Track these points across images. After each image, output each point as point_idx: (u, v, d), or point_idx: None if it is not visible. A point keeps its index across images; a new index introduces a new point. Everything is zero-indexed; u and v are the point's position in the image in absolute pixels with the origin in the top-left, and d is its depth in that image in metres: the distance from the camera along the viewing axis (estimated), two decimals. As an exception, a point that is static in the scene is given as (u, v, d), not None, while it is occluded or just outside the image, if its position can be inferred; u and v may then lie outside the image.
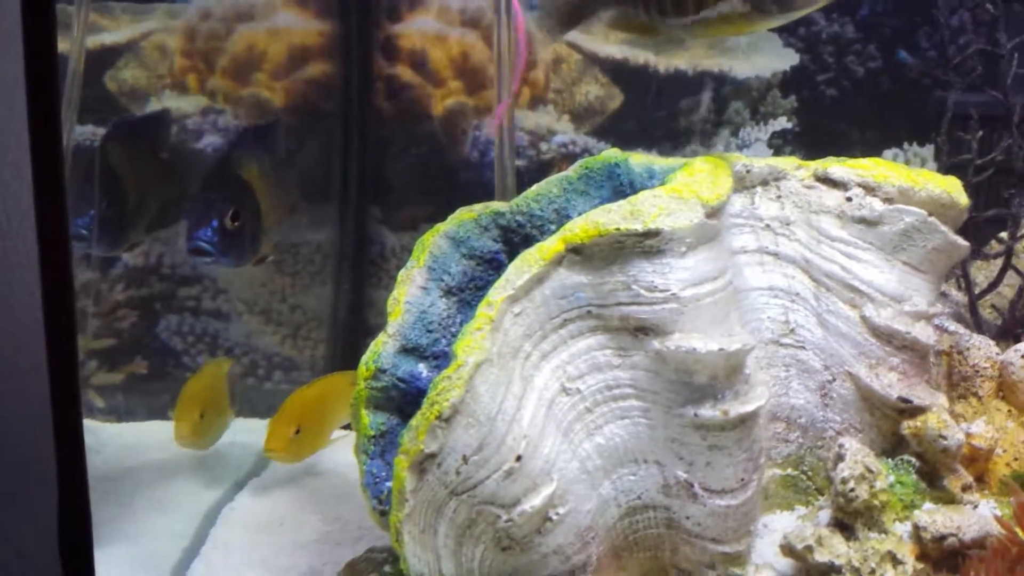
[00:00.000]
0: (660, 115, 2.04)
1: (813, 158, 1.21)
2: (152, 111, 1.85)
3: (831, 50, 2.01)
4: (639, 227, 1.03)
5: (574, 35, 2.05)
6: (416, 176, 1.92)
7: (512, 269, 1.07)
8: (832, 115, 2.02)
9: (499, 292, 1.05)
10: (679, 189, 1.06)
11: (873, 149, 1.96)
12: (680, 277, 1.03)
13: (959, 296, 1.33)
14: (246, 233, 1.45)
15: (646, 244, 1.03)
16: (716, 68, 2.01)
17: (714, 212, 1.06)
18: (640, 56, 2.00)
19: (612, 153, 1.26)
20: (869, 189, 1.14)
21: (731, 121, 2.06)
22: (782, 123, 2.04)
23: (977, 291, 1.31)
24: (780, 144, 2.04)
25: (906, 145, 1.98)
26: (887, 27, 2.00)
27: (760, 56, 2.02)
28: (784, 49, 2.02)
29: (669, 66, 2.02)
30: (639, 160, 1.25)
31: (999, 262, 1.31)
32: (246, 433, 1.82)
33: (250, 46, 1.85)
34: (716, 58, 2.01)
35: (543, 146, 2.00)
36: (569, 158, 2.05)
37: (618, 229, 1.03)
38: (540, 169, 2.01)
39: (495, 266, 1.22)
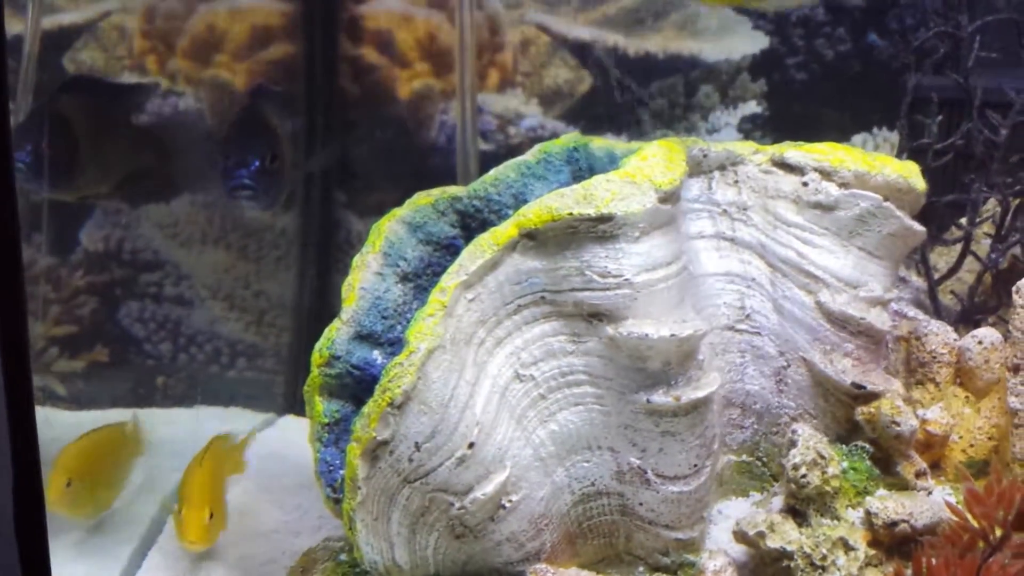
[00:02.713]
0: (629, 99, 2.03)
1: (783, 141, 1.20)
2: (131, 82, 1.83)
3: (801, 33, 1.99)
4: (592, 212, 1.01)
5: (543, 17, 2.03)
6: (382, 160, 1.90)
7: (466, 254, 1.05)
8: (802, 99, 2.01)
9: (452, 278, 1.04)
10: (632, 173, 1.05)
11: (843, 133, 1.96)
12: (633, 262, 1.02)
13: (919, 282, 1.33)
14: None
15: (599, 229, 1.02)
16: (686, 51, 2.00)
17: (668, 196, 1.05)
18: (609, 39, 1.98)
19: (571, 137, 1.24)
20: (825, 174, 1.13)
21: (701, 105, 2.04)
22: (752, 107, 2.03)
23: (937, 276, 1.31)
24: (750, 128, 2.03)
25: (875, 129, 1.97)
26: (857, 9, 1.99)
27: (730, 39, 2.01)
28: (753, 32, 2.00)
29: (639, 49, 2.00)
30: (600, 144, 1.24)
31: (960, 247, 1.31)
32: (208, 421, 1.80)
33: (211, 26, 1.81)
34: (685, 41, 2.00)
35: (511, 130, 1.98)
36: (537, 141, 2.03)
37: (571, 214, 1.02)
38: (508, 153, 1.98)
39: (452, 252, 1.20)
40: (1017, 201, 1.29)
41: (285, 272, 1.87)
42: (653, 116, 2.03)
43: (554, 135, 2.04)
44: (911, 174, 1.14)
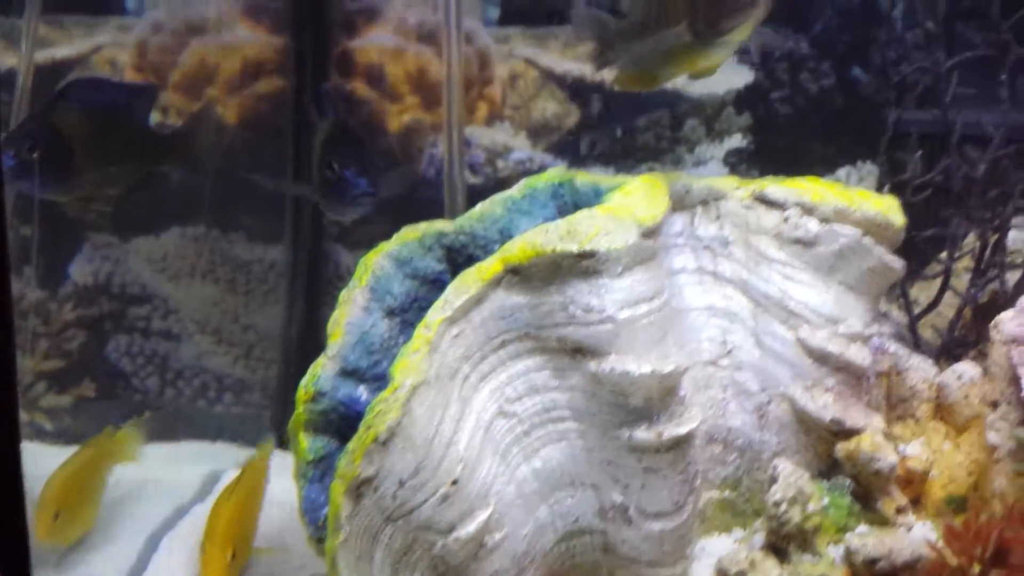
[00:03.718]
0: (617, 132, 2.05)
1: (768, 174, 1.22)
2: (135, 83, 1.82)
3: (785, 67, 2.02)
4: (575, 248, 1.02)
5: (531, 51, 2.06)
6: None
7: (451, 290, 1.06)
8: (787, 132, 2.04)
9: (437, 313, 1.05)
10: (615, 209, 1.06)
11: (828, 166, 1.98)
12: (616, 298, 1.03)
13: (900, 316, 1.34)
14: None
15: (582, 265, 1.03)
16: (671, 86, 2.02)
17: (650, 232, 1.06)
18: (597, 73, 2.00)
19: (556, 172, 1.26)
20: (806, 209, 1.15)
21: (687, 139, 2.07)
22: (737, 140, 2.06)
23: (918, 311, 1.32)
24: (736, 161, 2.05)
25: (860, 162, 2.00)
26: (841, 44, 2.02)
27: (714, 74, 2.03)
28: (738, 66, 2.03)
29: (625, 83, 2.02)
30: (585, 179, 1.25)
31: (940, 282, 1.32)
32: (192, 457, 1.80)
33: (202, 60, 1.83)
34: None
35: (500, 163, 2.00)
36: (526, 174, 2.05)
37: (555, 250, 1.03)
38: (497, 185, 2.00)
39: (439, 286, 1.21)
40: (996, 236, 1.30)
41: (274, 305, 1.88)
42: (641, 149, 2.05)
43: (542, 168, 2.06)
44: (890, 210, 1.15)
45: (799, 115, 2.03)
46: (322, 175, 1.43)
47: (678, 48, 1.13)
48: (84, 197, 1.58)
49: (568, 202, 1.24)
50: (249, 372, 1.90)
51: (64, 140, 1.40)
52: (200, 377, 1.92)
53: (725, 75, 2.05)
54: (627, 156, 2.04)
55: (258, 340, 1.89)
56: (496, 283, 1.05)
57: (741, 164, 2.04)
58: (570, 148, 2.03)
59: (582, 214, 1.05)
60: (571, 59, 2.02)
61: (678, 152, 2.06)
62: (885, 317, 1.37)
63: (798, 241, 1.15)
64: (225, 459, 1.82)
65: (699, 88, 2.04)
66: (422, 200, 1.94)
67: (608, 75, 2.02)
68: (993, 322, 1.13)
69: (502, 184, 2.08)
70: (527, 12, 2.00)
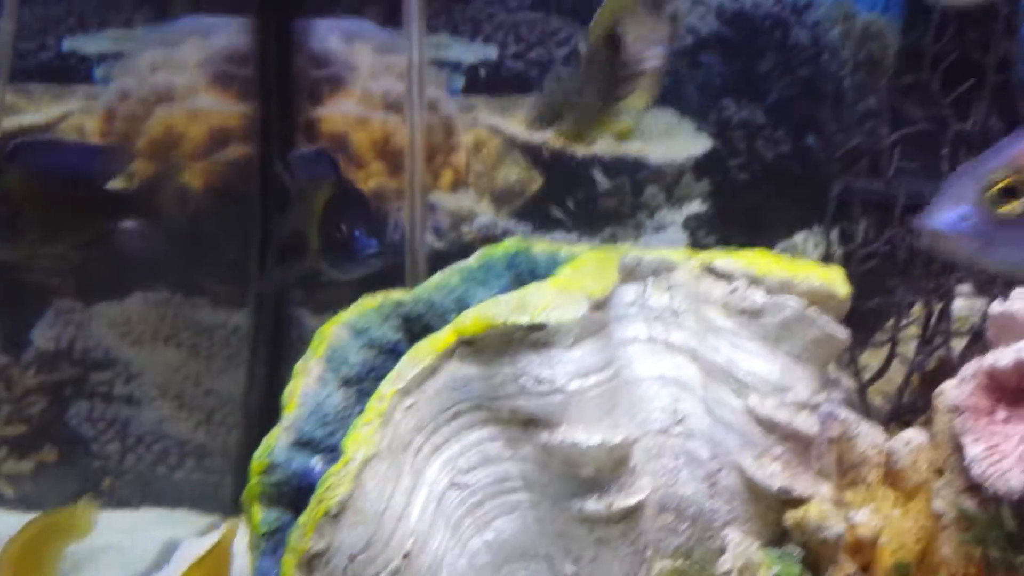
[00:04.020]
0: (580, 198, 2.09)
1: (727, 239, 1.25)
2: (89, 144, 1.83)
3: (741, 135, 2.08)
4: (526, 320, 1.05)
5: (495, 120, 2.11)
6: (338, 257, 1.92)
7: (404, 361, 1.08)
8: (744, 198, 2.09)
9: (390, 385, 1.06)
10: (565, 283, 1.08)
11: (784, 231, 2.03)
12: (567, 369, 1.05)
13: (851, 383, 1.37)
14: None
15: (534, 337, 1.05)
16: (632, 153, 2.08)
17: (599, 305, 1.08)
18: (558, 140, 2.05)
19: (512, 243, 1.28)
20: (752, 281, 1.18)
21: (648, 204, 2.11)
22: (696, 206, 2.11)
23: (868, 377, 1.35)
24: (695, 226, 2.10)
25: (815, 227, 2.05)
26: (795, 114, 2.09)
27: (674, 141, 2.09)
28: (697, 134, 2.09)
29: (587, 151, 2.07)
30: (542, 248, 1.28)
31: (888, 350, 1.35)
32: (151, 524, 1.78)
33: (169, 128, 1.86)
34: (631, 143, 2.08)
35: (464, 228, 2.03)
36: (490, 239, 2.09)
37: (506, 322, 1.05)
38: (462, 250, 2.02)
39: (396, 356, 1.22)
40: (941, 305, 1.34)
41: (236, 370, 1.88)
42: (603, 214, 2.09)
43: (506, 233, 2.09)
44: (834, 281, 1.18)
45: (756, 181, 2.08)
46: (326, 235, 1.42)
47: (590, 110, 1.19)
48: (32, 255, 1.58)
49: (524, 271, 1.26)
50: (210, 438, 1.89)
51: (10, 200, 1.41)
52: (161, 443, 1.91)
53: (684, 143, 2.12)
54: (590, 221, 2.08)
55: (220, 405, 1.89)
56: (449, 354, 1.06)
57: (700, 229, 2.09)
58: (534, 213, 2.06)
59: (533, 287, 1.08)
60: (533, 127, 2.07)
61: (639, 217, 2.11)
62: (836, 384, 1.40)
63: (745, 312, 1.17)
64: (185, 526, 1.81)
65: (659, 155, 2.10)
66: (388, 265, 1.96)
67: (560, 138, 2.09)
68: (936, 390, 1.15)
69: (467, 248, 2.11)
70: (491, 82, 2.05)
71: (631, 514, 1.05)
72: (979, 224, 0.77)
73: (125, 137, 1.85)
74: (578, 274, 1.10)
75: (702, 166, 2.11)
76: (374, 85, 1.89)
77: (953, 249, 0.78)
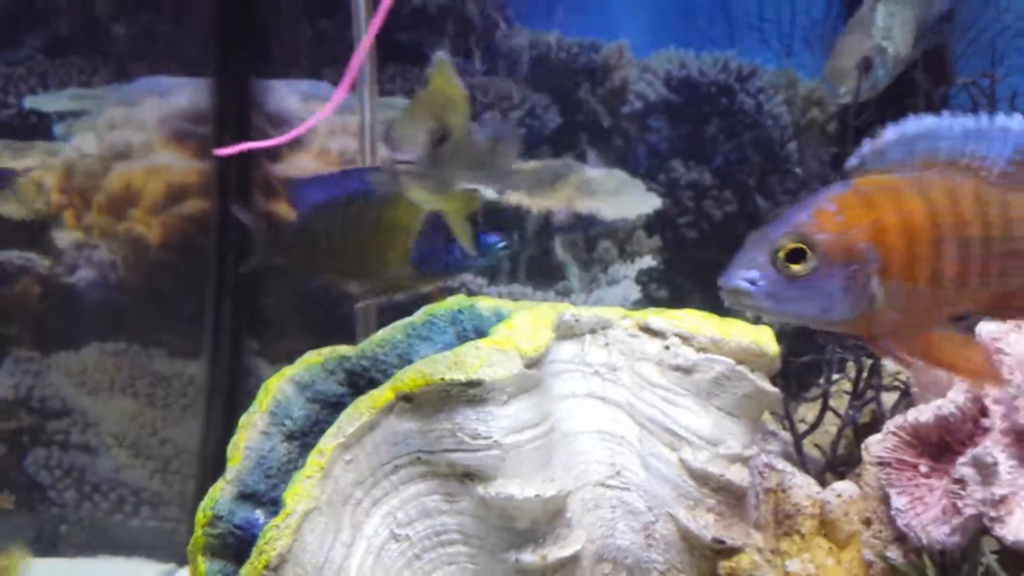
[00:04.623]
0: (534, 253, 2.14)
1: (677, 294, 1.30)
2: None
3: (690, 195, 2.15)
4: (462, 377, 1.08)
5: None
6: (295, 309, 1.96)
7: (344, 417, 1.11)
8: (693, 254, 2.15)
9: (331, 440, 1.09)
10: (500, 341, 1.12)
11: (731, 287, 2.09)
12: (502, 425, 1.08)
13: (787, 435, 1.42)
14: None
15: (469, 393, 1.08)
16: (585, 210, 2.14)
17: (533, 362, 1.12)
18: (512, 198, 2.11)
19: (456, 300, 1.32)
20: (684, 339, 1.22)
21: (601, 259, 2.17)
22: (648, 261, 2.17)
23: (803, 430, 1.40)
24: (647, 280, 2.16)
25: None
26: (741, 174, 2.17)
27: (626, 200, 2.16)
28: (647, 193, 2.16)
29: (542, 207, 2.13)
30: (487, 304, 1.32)
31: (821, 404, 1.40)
32: (107, 573, 1.78)
33: (127, 183, 1.90)
34: (585, 201, 2.14)
35: (421, 280, 2.07)
36: (447, 292, 2.13)
37: (443, 379, 1.08)
38: (418, 302, 2.07)
39: (340, 409, 1.24)
40: (871, 361, 1.39)
41: (192, 420, 1.90)
42: (557, 269, 2.14)
43: (462, 285, 2.14)
44: (763, 340, 1.23)
45: (704, 239, 2.15)
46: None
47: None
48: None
49: (468, 327, 1.30)
50: (166, 486, 1.90)
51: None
52: (117, 491, 1.92)
53: (636, 201, 2.18)
54: (544, 275, 2.13)
55: (176, 454, 1.90)
56: (388, 410, 1.10)
57: (652, 283, 2.15)
58: (489, 268, 2.11)
59: (469, 346, 1.12)
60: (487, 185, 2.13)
61: (593, 271, 2.16)
62: (774, 436, 1.45)
63: (678, 368, 1.22)
64: (141, 574, 1.80)
65: (612, 213, 2.16)
66: (345, 316, 2.00)
67: (525, 200, 2.14)
68: (863, 444, 1.20)
69: (425, 300, 2.16)
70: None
71: (567, 564, 1.08)
72: (772, 283, 0.85)
73: (83, 192, 1.89)
74: (512, 333, 1.14)
75: (653, 224, 2.18)
76: (331, 143, 1.94)
77: (751, 304, 0.87)
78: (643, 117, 2.17)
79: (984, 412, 1.14)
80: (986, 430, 1.13)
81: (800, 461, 1.39)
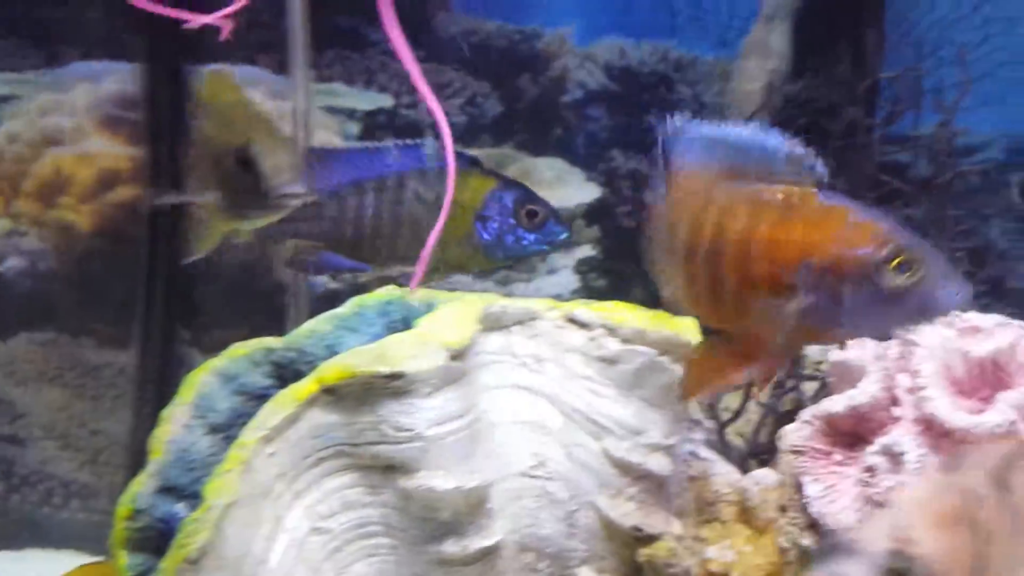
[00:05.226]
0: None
1: (616, 284, 1.31)
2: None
3: (629, 184, 2.17)
4: (386, 370, 1.09)
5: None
6: (229, 298, 1.94)
7: (267, 409, 1.10)
8: (631, 243, 2.17)
9: (252, 433, 1.09)
10: (424, 334, 1.13)
11: (669, 276, 2.12)
12: (426, 417, 1.09)
13: (712, 424, 1.45)
14: None
15: (393, 386, 1.09)
16: (526, 200, 2.14)
17: (458, 354, 1.13)
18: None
19: (386, 291, 1.32)
20: (610, 330, 1.24)
21: (540, 248, 2.18)
22: (587, 250, 2.19)
23: (726, 418, 1.43)
24: (586, 270, 2.18)
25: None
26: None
27: (565, 189, 2.17)
28: (586, 183, 2.18)
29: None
30: (420, 295, 1.32)
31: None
32: (36, 566, 1.75)
33: (58, 170, 1.86)
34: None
35: (361, 269, 2.06)
36: (385, 280, 2.12)
37: (366, 371, 1.09)
38: (357, 291, 2.07)
39: (265, 402, 1.25)
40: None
41: (122, 411, 1.87)
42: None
43: (402, 273, 2.13)
44: (686, 331, 1.26)
45: (642, 229, 2.17)
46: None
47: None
48: None
49: (398, 319, 1.30)
50: (96, 478, 1.88)
51: None
52: (46, 483, 1.89)
53: (575, 191, 2.20)
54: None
55: (106, 446, 1.88)
56: (311, 403, 1.10)
57: (591, 273, 2.17)
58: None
59: (393, 338, 1.12)
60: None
61: (532, 261, 2.17)
62: (699, 425, 1.47)
63: (602, 359, 1.23)
64: (70, 567, 1.78)
65: (552, 202, 2.16)
66: (280, 306, 1.98)
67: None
68: (778, 433, 1.23)
69: (361, 289, 2.15)
70: (387, 127, 2.10)
71: (488, 555, 1.09)
72: None
73: (12, 178, 1.85)
74: (436, 325, 1.14)
75: (591, 213, 2.19)
76: (269, 129, 1.92)
77: None
78: (583, 106, 2.18)
79: (896, 402, 1.18)
80: (898, 419, 1.16)
81: (723, 449, 1.42)
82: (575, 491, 1.21)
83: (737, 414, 1.42)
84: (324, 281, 1.89)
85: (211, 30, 1.92)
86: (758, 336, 0.97)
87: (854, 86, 1.41)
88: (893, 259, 0.89)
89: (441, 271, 1.47)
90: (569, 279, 2.15)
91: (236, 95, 1.17)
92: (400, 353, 1.10)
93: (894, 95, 1.55)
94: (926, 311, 0.90)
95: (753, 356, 0.98)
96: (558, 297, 2.13)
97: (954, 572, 0.83)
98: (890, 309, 0.90)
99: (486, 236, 1.42)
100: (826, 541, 1.10)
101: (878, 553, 0.86)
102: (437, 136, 1.54)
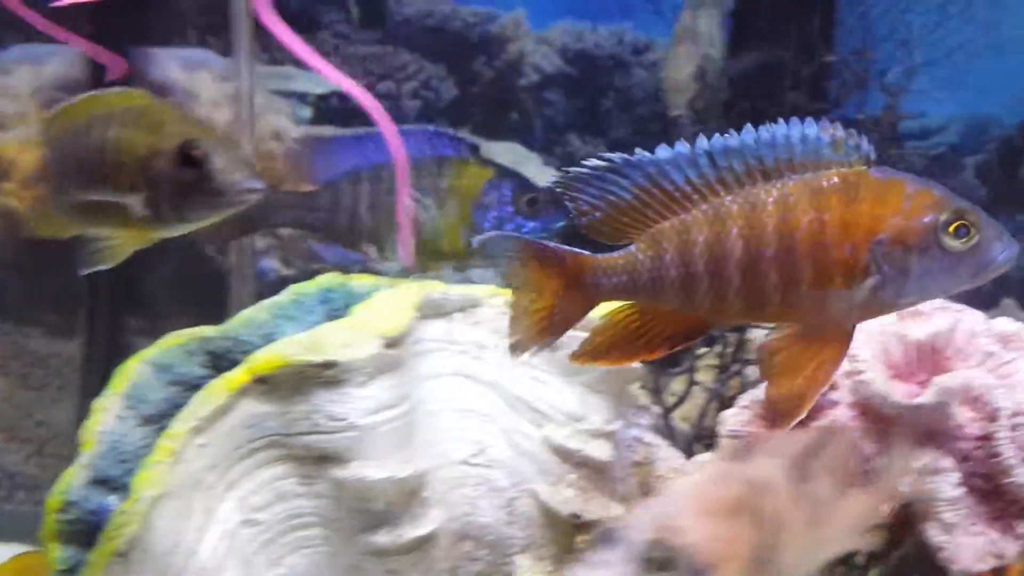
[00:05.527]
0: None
1: None
2: None
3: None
4: (319, 359, 1.07)
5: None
6: (176, 286, 1.91)
7: (198, 400, 1.09)
8: (574, 239, 2.16)
9: (182, 424, 1.07)
10: (359, 321, 1.11)
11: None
12: (359, 406, 1.08)
13: (657, 409, 1.45)
14: None
15: (326, 375, 1.07)
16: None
17: (394, 342, 1.12)
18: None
19: (327, 278, 1.30)
20: (551, 317, 1.23)
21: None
22: (544, 236, 2.17)
23: (672, 403, 1.43)
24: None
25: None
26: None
27: (522, 173, 2.15)
28: (543, 167, 2.16)
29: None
30: (363, 281, 1.31)
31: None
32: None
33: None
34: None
35: (314, 256, 2.04)
36: (333, 267, 2.10)
37: (299, 361, 1.07)
38: (309, 277, 2.05)
39: (201, 391, 1.23)
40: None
41: (68, 401, 1.84)
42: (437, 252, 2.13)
43: (356, 263, 2.11)
44: (630, 316, 1.25)
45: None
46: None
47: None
48: None
49: (340, 306, 1.28)
50: (42, 469, 1.85)
51: None
52: (-9, 475, 1.86)
53: (531, 175, 2.18)
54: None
55: (52, 437, 1.85)
56: (243, 392, 1.08)
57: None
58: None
59: (327, 327, 1.10)
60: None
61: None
62: (645, 410, 1.47)
63: (544, 346, 1.22)
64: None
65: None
66: (232, 292, 1.96)
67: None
68: (719, 417, 1.23)
69: (312, 274, 2.13)
70: (338, 112, 2.07)
71: (423, 544, 1.08)
72: None
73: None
74: (374, 312, 1.13)
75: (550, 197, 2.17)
76: (217, 114, 1.89)
77: None
78: (539, 90, 2.16)
79: (834, 386, 1.18)
80: (835, 403, 1.16)
81: (669, 434, 1.42)
82: (515, 479, 1.20)
83: (682, 399, 1.42)
84: (275, 267, 1.87)
85: (157, 10, 1.88)
86: (838, 323, 0.97)
87: (796, 71, 1.40)
88: (953, 223, 0.93)
89: (439, 260, 1.45)
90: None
91: (146, 100, 1.14)
92: (333, 341, 1.08)
93: (842, 79, 1.54)
94: (984, 269, 0.94)
95: (840, 344, 0.99)
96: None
97: (728, 562, 0.82)
98: (952, 271, 0.94)
99: (486, 225, 1.41)
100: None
101: (639, 542, 0.85)
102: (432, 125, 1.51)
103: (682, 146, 0.97)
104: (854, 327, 0.99)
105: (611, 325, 1.04)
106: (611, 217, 1.01)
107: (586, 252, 1.02)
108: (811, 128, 0.95)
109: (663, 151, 0.97)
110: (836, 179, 0.95)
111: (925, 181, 0.95)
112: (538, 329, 1.04)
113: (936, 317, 1.18)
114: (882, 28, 2.00)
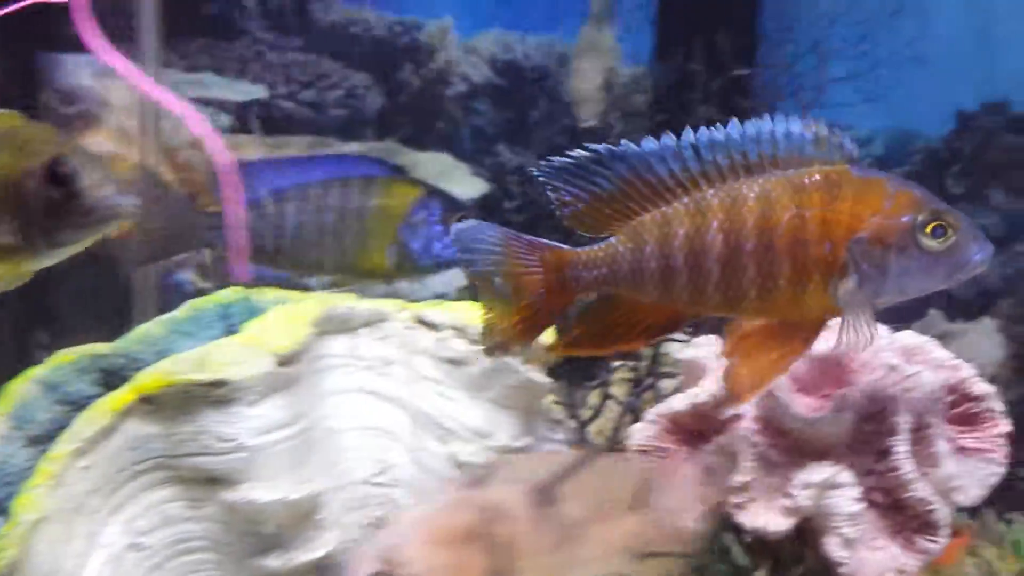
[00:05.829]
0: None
1: None
2: None
3: (516, 179, 2.15)
4: (206, 377, 1.03)
5: (266, 155, 2.09)
6: (88, 300, 1.85)
7: (81, 420, 1.04)
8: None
9: (64, 445, 1.03)
10: (251, 339, 1.08)
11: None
12: (250, 425, 1.04)
13: (572, 423, 1.43)
14: None
15: (215, 394, 1.04)
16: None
17: (287, 360, 1.08)
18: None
19: (228, 292, 1.26)
20: (458, 331, 1.21)
21: (425, 244, 2.14)
22: (473, 246, 2.14)
23: (587, 417, 1.41)
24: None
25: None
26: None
27: (451, 184, 2.13)
28: (472, 177, 2.14)
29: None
30: (272, 295, 1.27)
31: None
32: None
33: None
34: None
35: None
36: (263, 282, 2.06)
37: (186, 379, 1.03)
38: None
39: (91, 411, 1.19)
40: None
41: (-28, 419, 1.77)
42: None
43: (279, 277, 2.07)
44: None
45: (531, 224, 2.14)
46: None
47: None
48: None
49: (237, 323, 1.24)
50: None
51: None
52: None
53: (462, 185, 2.16)
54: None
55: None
56: (128, 413, 1.04)
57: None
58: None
59: (216, 344, 1.07)
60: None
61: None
62: (560, 424, 1.45)
63: (451, 361, 1.20)
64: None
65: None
66: (151, 306, 1.91)
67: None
68: (629, 430, 1.22)
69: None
70: (262, 120, 2.03)
71: (317, 568, 1.05)
72: None
73: None
74: (264, 330, 1.10)
75: (478, 208, 2.16)
76: (130, 121, 1.84)
77: None
78: (468, 99, 2.14)
79: (740, 400, 1.17)
80: (740, 417, 1.15)
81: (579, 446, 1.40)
82: (421, 497, 1.17)
83: (596, 413, 1.41)
84: (191, 280, 1.82)
85: (64, 17, 1.83)
86: (814, 319, 0.97)
87: (708, 83, 1.40)
88: (931, 223, 0.93)
89: (365, 279, 1.42)
90: (456, 276, 2.11)
91: (14, 120, 1.09)
92: (223, 359, 1.05)
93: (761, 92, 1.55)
94: (960, 270, 0.94)
95: (807, 340, 0.98)
96: (443, 296, 2.10)
97: None
98: (929, 271, 0.94)
99: (414, 244, 1.38)
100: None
101: (363, 575, 0.84)
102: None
103: (668, 138, 0.95)
104: (825, 322, 0.99)
105: (588, 315, 1.01)
106: (593, 208, 0.98)
107: (564, 246, 0.99)
108: (795, 125, 0.95)
109: (649, 143, 0.95)
110: (818, 176, 0.94)
111: (905, 181, 0.96)
112: (520, 328, 1.01)
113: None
114: (806, 41, 2.01)
